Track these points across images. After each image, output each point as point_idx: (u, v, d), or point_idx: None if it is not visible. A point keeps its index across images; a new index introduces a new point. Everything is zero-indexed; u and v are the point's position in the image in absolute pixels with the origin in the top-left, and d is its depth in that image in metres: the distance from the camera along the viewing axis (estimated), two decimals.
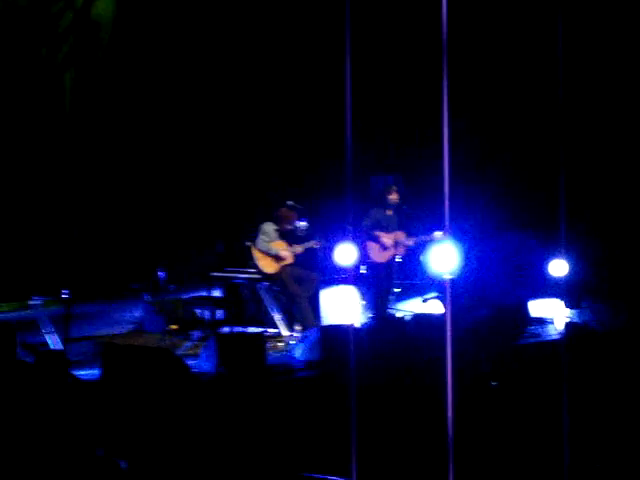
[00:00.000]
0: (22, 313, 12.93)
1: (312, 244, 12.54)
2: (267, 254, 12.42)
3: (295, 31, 17.17)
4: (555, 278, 13.02)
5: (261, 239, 12.43)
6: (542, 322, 12.64)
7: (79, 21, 15.70)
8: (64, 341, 10.51)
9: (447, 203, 6.00)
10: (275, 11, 16.81)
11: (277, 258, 12.41)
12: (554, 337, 12.06)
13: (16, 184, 15.70)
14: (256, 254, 12.44)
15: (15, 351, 9.41)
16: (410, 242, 12.87)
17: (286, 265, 12.40)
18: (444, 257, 12.82)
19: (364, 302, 13.31)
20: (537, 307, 13.04)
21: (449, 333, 5.68)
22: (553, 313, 12.73)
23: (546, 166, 15.83)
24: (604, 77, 15.76)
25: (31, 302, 11.48)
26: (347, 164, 12.54)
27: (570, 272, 12.73)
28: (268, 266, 12.41)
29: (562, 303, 12.80)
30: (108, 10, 15.95)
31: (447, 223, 6.09)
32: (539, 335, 12.18)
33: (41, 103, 15.76)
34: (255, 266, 12.41)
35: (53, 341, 10.91)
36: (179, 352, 11.08)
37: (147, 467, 6.79)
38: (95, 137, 16.03)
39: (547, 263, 13.06)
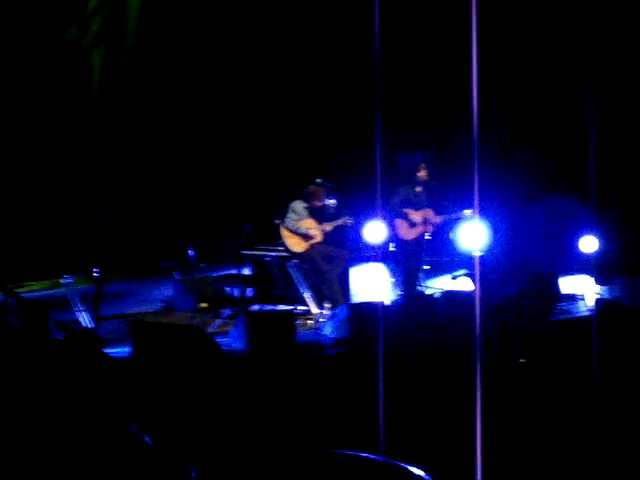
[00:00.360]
0: (54, 291, 13.08)
1: (342, 221, 12.52)
2: (296, 233, 12.42)
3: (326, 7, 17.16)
4: (585, 254, 12.96)
5: (289, 217, 12.43)
6: (572, 298, 12.59)
7: (108, 1, 15.74)
8: (95, 319, 10.58)
9: (476, 180, 5.96)
10: None
11: (306, 236, 12.41)
12: (584, 314, 12.02)
13: (47, 163, 15.81)
14: (284, 233, 12.45)
15: (48, 329, 9.50)
16: (439, 219, 12.83)
17: (315, 243, 12.40)
18: (473, 234, 12.83)
19: (393, 279, 13.30)
20: (567, 283, 13.00)
21: (478, 310, 5.67)
22: (583, 289, 12.67)
23: (577, 144, 15.80)
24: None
25: (62, 280, 11.55)
26: (376, 141, 12.53)
27: (600, 248, 12.67)
28: (297, 245, 12.42)
29: (592, 279, 12.73)
30: None
31: (476, 200, 6.06)
32: (569, 312, 12.14)
33: (70, 84, 15.83)
34: (284, 245, 12.43)
35: (84, 319, 11.00)
36: (209, 330, 11.14)
37: (176, 444, 6.84)
38: (125, 117, 16.10)
39: (578, 238, 13.00)
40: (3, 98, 15.22)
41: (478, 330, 5.44)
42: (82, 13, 16.02)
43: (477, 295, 6.16)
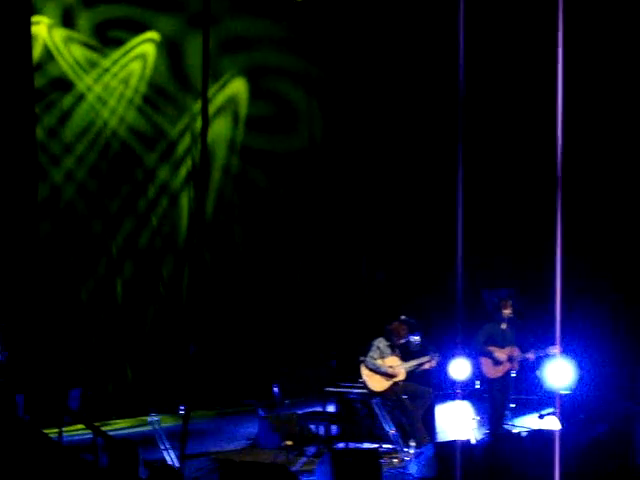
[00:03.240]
0: (140, 429, 13.18)
1: (425, 361, 12.46)
2: (377, 372, 12.40)
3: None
4: None
5: (370, 356, 12.43)
6: None
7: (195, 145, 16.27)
8: (181, 457, 10.60)
9: (558, 317, 5.98)
10: None
11: (388, 375, 12.37)
12: None
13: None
14: (365, 372, 12.42)
15: (137, 469, 9.52)
16: (525, 357, 12.71)
17: (398, 381, 12.35)
18: (560, 372, 12.70)
19: (479, 418, 13.16)
20: None
21: (557, 450, 5.62)
22: None
23: None
24: None
25: (149, 418, 11.63)
26: (457, 277, 12.59)
27: None
28: (377, 384, 12.37)
29: None
30: None
31: (559, 336, 6.07)
32: None
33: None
34: (364, 385, 12.39)
35: (171, 457, 11.03)
36: (294, 469, 11.09)
37: None
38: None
39: None
40: None
41: (558, 471, 5.36)
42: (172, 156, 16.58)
43: (557, 435, 6.08)
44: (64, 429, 11.04)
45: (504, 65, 16.83)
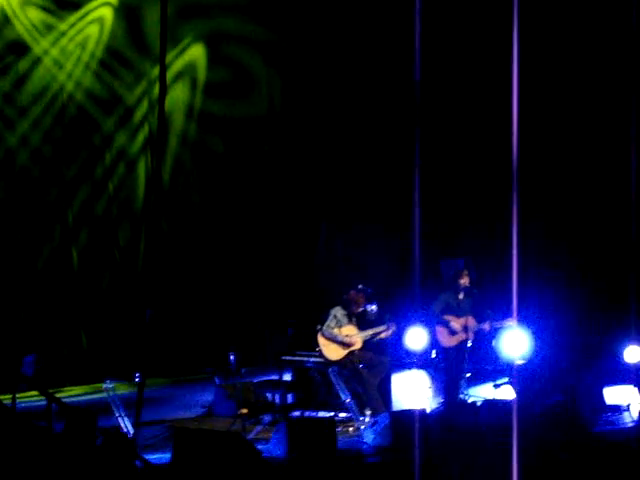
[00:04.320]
0: (96, 396, 13.11)
1: (382, 330, 12.47)
2: (334, 340, 12.38)
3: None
4: (630, 364, 12.86)
5: (327, 325, 12.41)
6: (617, 409, 12.41)
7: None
8: (135, 424, 10.56)
9: (515, 288, 5.98)
10: None
11: (344, 344, 12.37)
12: (629, 425, 11.83)
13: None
14: (321, 341, 12.40)
15: (94, 436, 9.45)
16: (480, 327, 12.77)
17: (354, 350, 12.36)
18: (515, 342, 12.78)
19: (434, 387, 13.22)
20: (612, 394, 12.82)
21: (515, 420, 5.64)
22: (629, 400, 12.50)
23: (617, 248, 15.84)
24: None
25: (104, 385, 11.57)
26: (415, 247, 12.60)
27: None
28: (333, 353, 12.36)
29: (637, 390, 12.58)
30: None
31: (515, 308, 6.07)
32: (614, 423, 11.96)
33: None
34: (321, 353, 12.39)
35: (125, 424, 10.98)
36: (250, 436, 11.08)
37: None
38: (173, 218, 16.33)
39: (621, 349, 12.93)
40: None
41: (515, 440, 5.39)
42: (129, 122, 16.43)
43: (515, 405, 6.10)
44: (18, 395, 10.95)
45: (462, 41, 16.82)
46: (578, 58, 16.21)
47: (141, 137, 16.45)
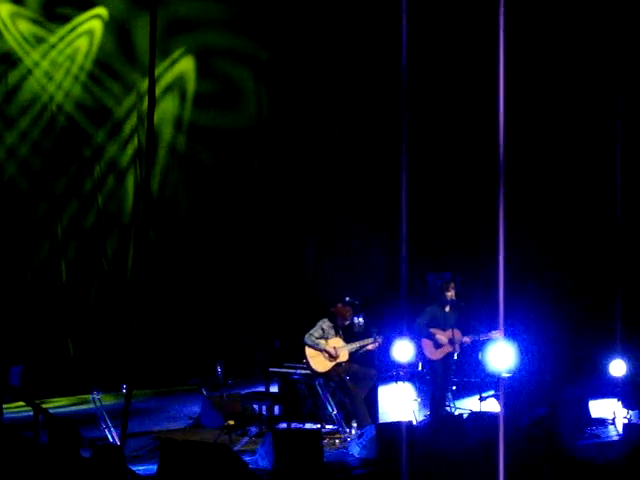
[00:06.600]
0: (82, 407, 13.12)
1: (368, 343, 12.50)
2: (317, 349, 12.35)
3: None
4: (615, 378, 12.93)
5: (309, 334, 12.37)
6: (602, 422, 12.48)
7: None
8: (123, 436, 10.57)
9: (502, 301, 6.05)
10: None
11: (331, 356, 12.37)
12: (614, 438, 11.90)
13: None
14: (308, 353, 12.38)
15: (78, 447, 9.46)
16: (466, 340, 12.82)
17: (341, 362, 12.38)
18: (501, 355, 12.84)
19: (421, 399, 13.26)
20: (598, 407, 12.89)
21: (502, 433, 5.70)
22: (613, 413, 12.57)
23: (603, 262, 15.94)
24: None
25: (91, 396, 11.58)
26: (402, 261, 12.66)
27: (629, 372, 12.64)
28: (320, 365, 12.35)
29: (621, 403, 12.66)
30: None
31: (502, 321, 6.14)
32: (599, 436, 12.03)
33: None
34: (307, 365, 12.40)
35: (112, 436, 10.99)
36: (236, 448, 11.11)
37: None
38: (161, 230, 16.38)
39: (607, 363, 13.01)
40: None
41: (502, 453, 5.45)
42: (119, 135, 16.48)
43: (501, 418, 6.16)
44: (5, 406, 10.95)
45: (449, 41, 16.89)
46: (564, 60, 16.26)
47: (130, 150, 16.49)
